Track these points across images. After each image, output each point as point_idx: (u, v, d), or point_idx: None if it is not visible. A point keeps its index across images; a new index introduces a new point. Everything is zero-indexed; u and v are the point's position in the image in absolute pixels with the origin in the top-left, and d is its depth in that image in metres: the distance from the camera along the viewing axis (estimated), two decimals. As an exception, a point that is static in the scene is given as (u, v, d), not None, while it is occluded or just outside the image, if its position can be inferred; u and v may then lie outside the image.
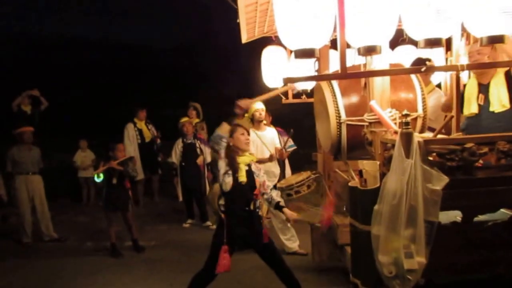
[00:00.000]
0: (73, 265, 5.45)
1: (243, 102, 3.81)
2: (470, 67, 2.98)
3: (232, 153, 3.68)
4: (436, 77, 4.80)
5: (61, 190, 8.70)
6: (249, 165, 3.76)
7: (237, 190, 3.62)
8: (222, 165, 3.68)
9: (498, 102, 3.56)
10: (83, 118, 12.17)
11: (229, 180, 3.62)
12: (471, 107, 3.72)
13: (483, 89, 3.69)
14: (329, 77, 3.34)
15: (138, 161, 7.95)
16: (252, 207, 3.67)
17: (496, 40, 2.39)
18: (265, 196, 3.83)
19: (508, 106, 3.53)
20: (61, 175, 8.99)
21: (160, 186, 8.95)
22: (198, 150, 7.04)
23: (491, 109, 3.60)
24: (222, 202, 3.70)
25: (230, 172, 3.65)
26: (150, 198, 8.70)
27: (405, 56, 4.73)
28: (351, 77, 3.12)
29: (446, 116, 4.05)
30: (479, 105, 3.69)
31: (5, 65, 12.69)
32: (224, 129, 3.70)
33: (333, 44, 4.36)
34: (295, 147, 5.68)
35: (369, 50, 2.57)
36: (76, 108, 12.76)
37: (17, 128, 6.54)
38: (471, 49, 3.57)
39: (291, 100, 5.28)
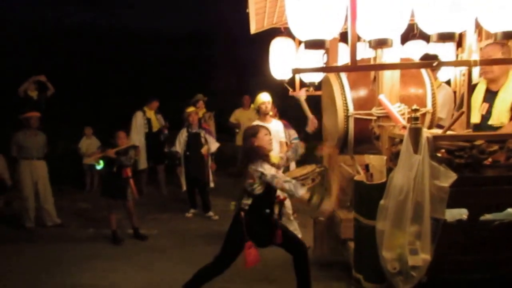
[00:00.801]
0: (75, 250, 5.45)
1: None
2: (482, 62, 2.93)
3: (262, 155, 3.64)
4: (444, 74, 4.74)
5: (64, 177, 8.71)
6: None
7: (267, 192, 3.63)
8: (268, 167, 3.58)
9: (497, 117, 3.46)
10: (89, 106, 12.12)
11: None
12: (474, 116, 3.60)
13: (490, 97, 3.57)
14: (338, 69, 3.31)
15: (143, 150, 7.93)
16: (275, 209, 3.71)
17: (511, 36, 2.34)
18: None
19: (505, 123, 3.41)
20: (65, 161, 9.01)
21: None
22: (203, 140, 7.01)
23: (490, 122, 3.51)
24: (246, 201, 3.66)
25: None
26: (155, 187, 8.69)
27: (416, 51, 4.67)
28: (361, 70, 3.08)
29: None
30: (482, 115, 3.59)
31: (12, 52, 12.68)
32: None
33: (342, 37, 4.33)
34: (299, 140, 5.65)
35: (380, 43, 2.53)
36: (83, 97, 12.73)
37: (23, 113, 6.54)
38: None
39: (298, 92, 5.23)
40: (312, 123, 4.10)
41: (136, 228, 5.94)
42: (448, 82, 4.69)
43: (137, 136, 7.96)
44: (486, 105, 3.56)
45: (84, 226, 6.56)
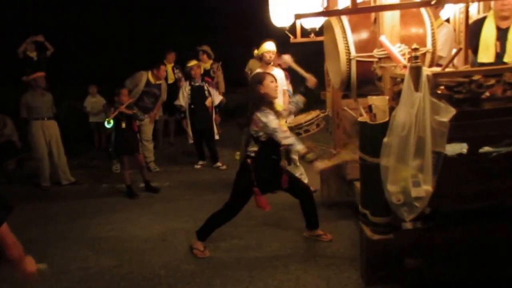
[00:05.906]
0: (91, 206, 5.65)
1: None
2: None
3: (268, 102, 3.74)
4: (446, 12, 4.73)
5: (72, 136, 8.81)
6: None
7: (273, 139, 3.69)
8: (272, 118, 3.67)
9: None
10: (92, 64, 11.88)
11: None
12: (489, 55, 3.57)
13: (501, 34, 3.53)
14: (340, 12, 3.33)
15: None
16: (280, 155, 3.83)
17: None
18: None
19: None
20: (71, 121, 9.08)
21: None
22: (206, 92, 7.09)
23: (505, 59, 3.48)
24: (253, 148, 3.80)
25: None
26: (166, 140, 8.82)
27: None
28: (362, 12, 3.12)
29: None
30: (496, 53, 3.54)
31: (10, 10, 12.27)
32: None
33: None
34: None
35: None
36: (85, 55, 12.47)
37: (28, 74, 6.57)
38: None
39: (299, 39, 5.23)
40: (311, 80, 4.07)
41: (148, 181, 6.12)
42: (448, 20, 4.69)
43: None
44: (498, 43, 3.53)
45: (97, 182, 6.77)
